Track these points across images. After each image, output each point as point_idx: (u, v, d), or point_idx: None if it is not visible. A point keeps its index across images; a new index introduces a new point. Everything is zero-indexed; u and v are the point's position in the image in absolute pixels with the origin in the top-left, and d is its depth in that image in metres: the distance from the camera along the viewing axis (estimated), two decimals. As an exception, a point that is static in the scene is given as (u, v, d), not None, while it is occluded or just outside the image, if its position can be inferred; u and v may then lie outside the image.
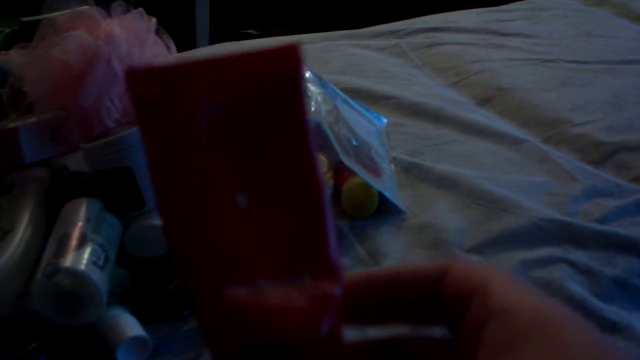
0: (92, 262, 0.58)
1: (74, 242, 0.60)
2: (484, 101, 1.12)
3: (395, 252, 0.75)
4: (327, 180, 0.82)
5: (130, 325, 0.59)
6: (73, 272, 0.57)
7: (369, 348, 0.26)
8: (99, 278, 0.58)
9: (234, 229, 0.24)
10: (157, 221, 0.66)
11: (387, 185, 0.84)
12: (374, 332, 0.26)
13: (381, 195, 0.81)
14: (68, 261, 0.57)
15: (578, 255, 0.73)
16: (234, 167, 0.24)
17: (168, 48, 0.85)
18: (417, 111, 1.06)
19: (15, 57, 0.80)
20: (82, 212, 0.64)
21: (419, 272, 0.25)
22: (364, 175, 0.80)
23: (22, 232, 0.64)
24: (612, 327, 0.64)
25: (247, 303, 0.23)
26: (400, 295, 0.25)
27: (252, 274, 0.24)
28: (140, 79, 0.23)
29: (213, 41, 2.19)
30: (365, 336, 0.26)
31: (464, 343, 0.23)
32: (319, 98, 0.86)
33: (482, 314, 0.22)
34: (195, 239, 0.24)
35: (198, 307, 0.24)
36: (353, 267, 0.73)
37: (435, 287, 0.25)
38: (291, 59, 0.23)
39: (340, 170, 0.84)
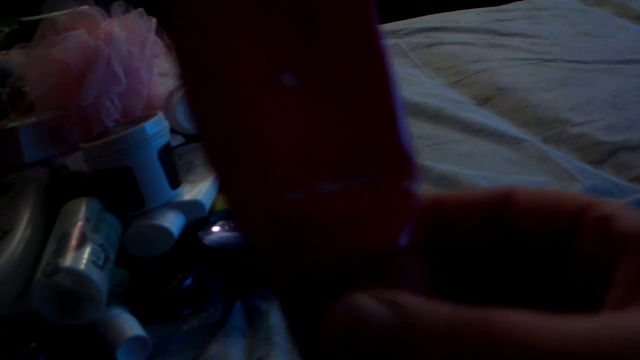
0: (92, 262, 0.58)
1: (74, 242, 0.60)
2: (484, 101, 1.12)
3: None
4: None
5: (130, 325, 0.59)
6: (73, 272, 0.57)
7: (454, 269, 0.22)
8: (99, 278, 0.58)
9: (282, 114, 0.19)
10: (157, 221, 0.66)
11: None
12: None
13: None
14: (68, 261, 0.57)
15: (578, 255, 0.73)
16: (279, 43, 0.19)
17: (168, 48, 0.85)
18: (417, 111, 1.06)
19: (15, 57, 0.80)
20: (82, 212, 0.64)
21: (473, 198, 0.21)
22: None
23: (22, 232, 0.64)
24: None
25: (307, 212, 0.18)
26: (450, 224, 0.21)
27: (309, 173, 0.19)
28: None
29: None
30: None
31: (575, 275, 0.20)
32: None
33: (602, 239, 0.18)
34: (234, 130, 0.19)
35: (245, 221, 0.19)
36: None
37: (497, 213, 0.21)
38: None
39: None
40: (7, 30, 0.97)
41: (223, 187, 0.19)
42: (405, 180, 0.19)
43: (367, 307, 0.17)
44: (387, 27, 1.46)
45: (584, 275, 0.19)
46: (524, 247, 0.21)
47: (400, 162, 0.19)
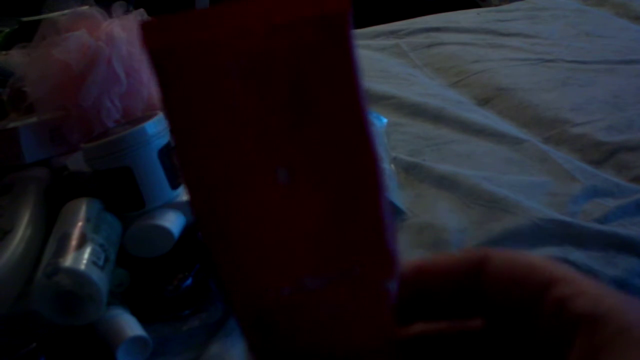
0: (92, 262, 0.58)
1: (74, 242, 0.60)
2: (484, 101, 1.12)
3: (395, 252, 0.75)
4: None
5: (130, 325, 0.59)
6: (73, 272, 0.57)
7: (423, 347, 0.23)
8: (99, 278, 0.58)
9: (275, 210, 0.19)
10: (157, 221, 0.66)
11: (387, 185, 0.84)
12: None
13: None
14: (68, 261, 0.57)
15: (578, 256, 0.73)
16: (271, 135, 0.19)
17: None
18: (417, 111, 1.06)
19: (15, 57, 0.80)
20: (82, 212, 0.64)
21: (448, 265, 0.22)
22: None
23: (22, 232, 0.64)
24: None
25: (296, 308, 0.20)
26: (428, 290, 0.22)
27: (295, 269, 0.20)
28: (155, 31, 0.19)
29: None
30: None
31: (539, 347, 0.21)
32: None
33: (559, 318, 0.20)
34: (230, 224, 0.20)
35: (235, 310, 0.20)
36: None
37: (471, 279, 0.22)
38: (338, 1, 0.19)
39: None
40: (7, 30, 0.97)
41: (217, 266, 0.20)
42: (386, 278, 0.20)
43: None
44: (387, 27, 1.46)
45: (546, 349, 0.21)
46: (495, 317, 0.22)
47: (382, 261, 0.20)
